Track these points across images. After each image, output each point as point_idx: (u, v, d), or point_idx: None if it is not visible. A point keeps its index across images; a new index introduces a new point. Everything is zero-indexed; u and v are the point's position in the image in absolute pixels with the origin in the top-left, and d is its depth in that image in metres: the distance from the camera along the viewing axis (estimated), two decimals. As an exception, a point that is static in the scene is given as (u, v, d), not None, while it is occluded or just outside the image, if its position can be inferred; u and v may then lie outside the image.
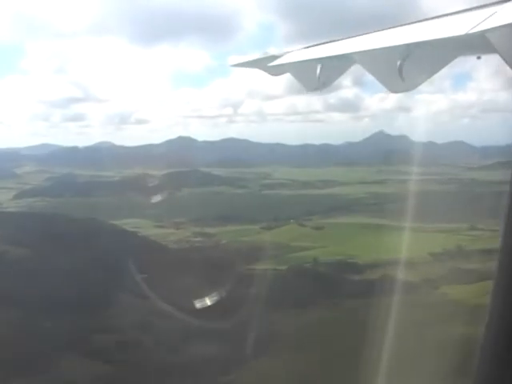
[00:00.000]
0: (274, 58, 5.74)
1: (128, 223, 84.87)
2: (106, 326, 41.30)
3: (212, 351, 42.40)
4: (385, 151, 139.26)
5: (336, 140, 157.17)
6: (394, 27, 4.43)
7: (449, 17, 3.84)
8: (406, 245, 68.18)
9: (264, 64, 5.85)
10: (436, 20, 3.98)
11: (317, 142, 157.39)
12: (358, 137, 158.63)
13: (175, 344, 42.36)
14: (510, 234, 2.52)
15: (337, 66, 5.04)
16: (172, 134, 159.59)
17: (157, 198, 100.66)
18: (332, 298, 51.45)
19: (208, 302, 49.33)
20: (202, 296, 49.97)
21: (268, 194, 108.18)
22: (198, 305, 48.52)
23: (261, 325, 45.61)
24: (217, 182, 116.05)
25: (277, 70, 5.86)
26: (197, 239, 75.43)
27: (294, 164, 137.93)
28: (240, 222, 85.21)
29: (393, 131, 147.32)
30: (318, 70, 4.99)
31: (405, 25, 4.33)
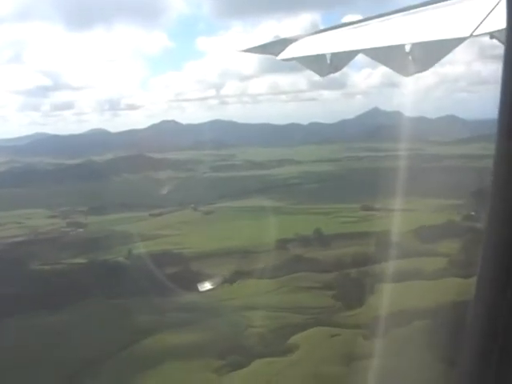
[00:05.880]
0: (284, 42, 5.68)
1: (22, 214, 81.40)
2: None
3: None
4: (371, 128, 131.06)
5: (329, 118, 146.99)
6: (399, 12, 4.41)
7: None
8: (265, 231, 59.92)
9: (274, 49, 5.75)
10: (440, 9, 3.95)
11: (307, 120, 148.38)
12: (350, 114, 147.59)
13: None
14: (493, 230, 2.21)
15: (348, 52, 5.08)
16: (158, 119, 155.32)
17: (82, 186, 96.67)
18: (96, 296, 44.38)
19: None
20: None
21: (207, 177, 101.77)
22: None
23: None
24: (164, 166, 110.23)
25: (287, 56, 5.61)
26: (64, 229, 70.22)
27: (267, 144, 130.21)
28: (137, 208, 79.64)
29: (386, 107, 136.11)
30: (330, 56, 5.06)
31: (409, 10, 4.27)
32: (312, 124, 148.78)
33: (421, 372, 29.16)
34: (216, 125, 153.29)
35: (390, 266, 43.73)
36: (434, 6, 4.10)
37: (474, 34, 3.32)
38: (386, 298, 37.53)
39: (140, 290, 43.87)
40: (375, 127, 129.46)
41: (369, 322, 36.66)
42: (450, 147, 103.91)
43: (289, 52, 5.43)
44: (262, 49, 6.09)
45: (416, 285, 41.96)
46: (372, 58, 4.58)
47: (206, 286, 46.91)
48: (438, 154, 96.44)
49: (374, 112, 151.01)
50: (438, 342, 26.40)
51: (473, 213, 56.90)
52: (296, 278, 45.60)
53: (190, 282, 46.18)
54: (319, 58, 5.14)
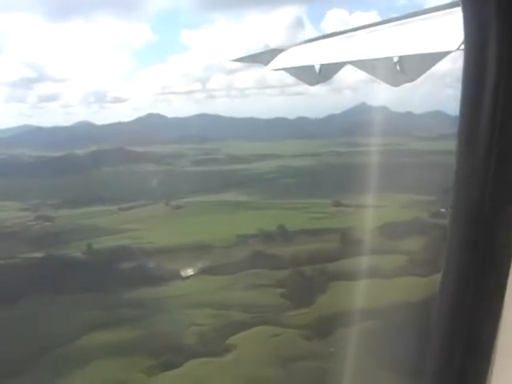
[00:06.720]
0: (274, 52, 5.66)
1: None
2: None
3: None
4: (357, 123, 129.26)
5: (316, 113, 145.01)
6: (387, 23, 4.36)
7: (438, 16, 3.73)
8: (230, 226, 58.91)
9: (263, 59, 5.71)
10: (427, 21, 3.85)
11: (294, 115, 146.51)
12: (338, 109, 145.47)
13: None
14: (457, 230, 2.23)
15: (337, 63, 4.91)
16: (144, 112, 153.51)
17: (60, 178, 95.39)
18: (44, 292, 43.24)
19: None
20: None
21: (184, 171, 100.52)
22: None
23: None
24: (145, 160, 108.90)
25: (276, 66, 5.56)
26: (30, 223, 69.10)
27: (252, 138, 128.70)
28: (112, 202, 78.54)
29: (373, 102, 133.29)
30: (319, 66, 5.10)
31: (397, 21, 4.19)
32: (299, 118, 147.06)
33: (361, 376, 28.06)
34: (202, 118, 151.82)
35: (349, 263, 42.66)
36: (421, 17, 3.96)
37: (461, 47, 3.22)
38: (338, 296, 36.42)
39: (90, 285, 42.79)
40: (362, 122, 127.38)
41: (314, 322, 35.54)
42: (433, 142, 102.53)
43: (278, 62, 5.43)
44: (252, 58, 6.18)
45: (371, 283, 40.78)
46: (360, 68, 4.51)
47: (159, 281, 45.87)
48: (421, 149, 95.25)
49: (362, 107, 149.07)
50: (387, 343, 25.30)
51: (443, 209, 55.97)
52: (251, 275, 44.53)
53: (143, 277, 45.13)
54: (308, 67, 5.14)
